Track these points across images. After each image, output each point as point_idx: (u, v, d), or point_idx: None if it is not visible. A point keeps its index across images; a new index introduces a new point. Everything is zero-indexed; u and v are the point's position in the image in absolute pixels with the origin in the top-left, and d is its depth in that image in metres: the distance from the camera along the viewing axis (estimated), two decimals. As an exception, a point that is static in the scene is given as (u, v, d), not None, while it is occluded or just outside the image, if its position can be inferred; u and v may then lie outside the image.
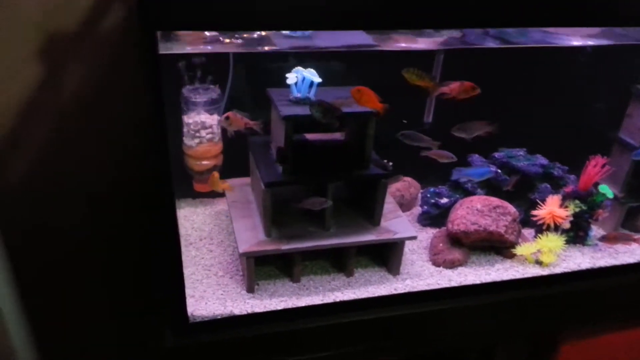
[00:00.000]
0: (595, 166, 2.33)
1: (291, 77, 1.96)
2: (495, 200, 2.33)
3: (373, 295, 2.09)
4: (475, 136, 2.08)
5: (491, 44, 2.21)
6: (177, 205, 2.48)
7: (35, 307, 2.31)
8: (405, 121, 2.27)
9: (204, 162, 2.32)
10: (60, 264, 2.31)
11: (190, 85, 2.23)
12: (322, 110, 1.88)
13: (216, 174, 2.16)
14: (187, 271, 2.14)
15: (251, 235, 2.06)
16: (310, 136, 2.25)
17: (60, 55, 1.98)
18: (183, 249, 2.24)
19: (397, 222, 2.23)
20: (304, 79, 1.98)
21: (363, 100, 1.93)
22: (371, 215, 2.17)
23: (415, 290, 2.13)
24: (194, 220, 2.42)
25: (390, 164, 2.42)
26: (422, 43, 2.28)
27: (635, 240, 2.36)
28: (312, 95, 2.00)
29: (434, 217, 2.50)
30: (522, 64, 2.49)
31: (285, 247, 2.03)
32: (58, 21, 1.91)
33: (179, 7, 1.38)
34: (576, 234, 2.42)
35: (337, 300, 2.06)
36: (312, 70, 2.00)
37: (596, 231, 2.57)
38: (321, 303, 2.03)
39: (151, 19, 1.37)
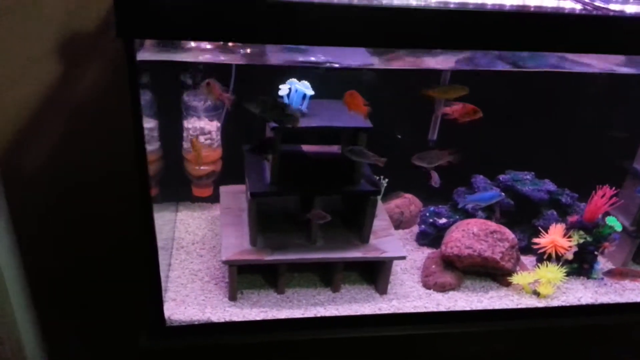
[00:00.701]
0: (602, 196, 2.21)
1: (283, 89, 1.95)
2: (493, 225, 2.25)
3: (355, 314, 2.05)
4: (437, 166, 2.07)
5: (500, 67, 2.15)
6: (175, 208, 2.56)
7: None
8: (399, 136, 2.23)
9: (203, 167, 2.34)
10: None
11: (193, 91, 2.26)
12: (264, 105, 1.79)
13: (195, 141, 2.18)
14: (173, 274, 2.17)
15: (237, 244, 2.07)
16: (306, 148, 2.23)
17: (79, 54, 2.09)
18: (173, 252, 2.29)
19: (387, 241, 2.18)
20: (296, 90, 1.97)
21: (352, 104, 1.91)
22: (360, 232, 2.14)
23: (399, 312, 2.08)
24: (189, 224, 2.46)
25: (386, 180, 2.39)
26: (431, 62, 2.26)
27: None
28: (304, 107, 1.99)
29: (432, 237, 2.44)
30: (537, 88, 2.41)
31: (269, 257, 2.02)
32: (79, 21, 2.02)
33: (155, 15, 1.40)
34: (580, 266, 2.30)
35: (318, 315, 2.04)
36: (306, 83, 1.99)
37: (604, 265, 2.44)
38: (299, 317, 2.01)
39: (128, 26, 1.40)
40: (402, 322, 2.06)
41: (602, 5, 1.80)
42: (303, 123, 1.94)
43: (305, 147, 2.23)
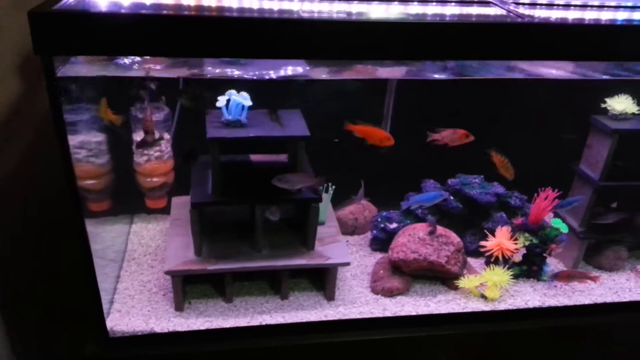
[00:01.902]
0: (545, 199, 2.23)
1: (221, 100, 1.99)
2: (438, 229, 2.27)
3: (299, 321, 2.07)
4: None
5: (443, 76, 2.18)
6: (130, 220, 2.58)
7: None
8: (336, 140, 2.26)
9: (154, 179, 2.37)
10: None
11: (141, 104, 2.30)
12: (189, 96, 1.97)
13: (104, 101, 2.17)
14: (121, 286, 2.19)
15: (182, 254, 2.09)
16: (251, 157, 2.26)
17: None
18: (124, 264, 2.31)
19: (333, 247, 2.20)
20: (237, 103, 2.00)
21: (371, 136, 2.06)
22: (305, 239, 2.16)
23: (344, 318, 2.09)
24: (142, 236, 2.48)
25: (332, 187, 2.41)
26: (383, 73, 2.30)
27: (591, 278, 2.24)
28: (243, 117, 2.02)
29: (384, 242, 2.45)
30: (485, 95, 2.44)
31: (212, 267, 2.04)
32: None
33: (72, 32, 1.44)
34: (529, 268, 2.32)
35: (264, 323, 2.05)
36: (245, 94, 2.02)
37: (555, 266, 2.45)
38: (243, 326, 2.02)
39: (45, 43, 1.43)
40: (347, 328, 2.08)
41: (526, 12, 1.83)
42: (242, 133, 1.98)
43: (250, 157, 2.27)
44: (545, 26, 1.65)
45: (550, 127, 2.50)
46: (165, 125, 2.32)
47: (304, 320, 2.07)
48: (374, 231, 2.48)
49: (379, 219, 2.50)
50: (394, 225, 2.44)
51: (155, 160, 2.33)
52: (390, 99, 2.48)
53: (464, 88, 2.42)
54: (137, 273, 2.26)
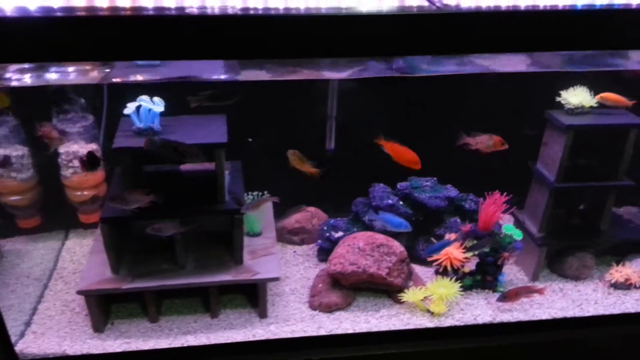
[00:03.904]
0: (493, 203, 2.03)
1: (129, 107, 1.86)
2: (380, 238, 2.09)
3: (225, 341, 1.93)
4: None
5: (389, 74, 2.02)
6: (65, 236, 2.48)
7: None
8: (250, 139, 2.11)
9: (84, 193, 2.26)
10: None
11: (64, 115, 2.19)
12: (160, 146, 1.79)
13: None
14: (42, 306, 2.08)
15: (99, 272, 1.96)
16: (170, 167, 2.13)
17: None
18: (51, 282, 2.20)
19: (265, 261, 2.05)
20: (148, 109, 1.87)
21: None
22: (232, 253, 2.02)
23: (273, 337, 1.94)
24: (75, 253, 2.37)
25: (262, 194, 2.26)
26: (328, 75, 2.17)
27: (536, 292, 2.03)
28: (156, 125, 1.89)
29: (329, 252, 2.26)
30: (438, 92, 2.26)
31: (127, 286, 1.91)
32: None
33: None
34: (484, 278, 2.12)
35: (186, 344, 1.92)
36: (158, 99, 1.89)
37: (515, 275, 2.25)
38: (163, 348, 1.89)
39: None
40: (276, 349, 1.93)
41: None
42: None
43: (174, 167, 2.14)
44: (462, 16, 1.47)
45: (508, 124, 2.29)
46: (91, 135, 2.21)
47: (229, 341, 1.93)
48: (320, 241, 2.32)
49: (325, 227, 2.33)
50: (340, 234, 2.27)
51: (82, 173, 2.22)
52: (334, 100, 2.32)
53: (413, 86, 2.26)
54: (63, 292, 2.15)
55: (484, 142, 1.92)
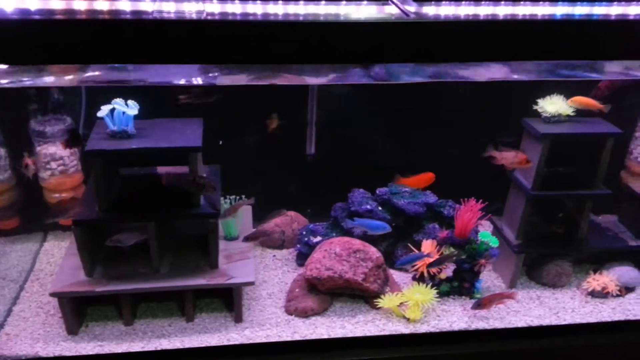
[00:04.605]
0: (469, 210, 2.03)
1: (103, 110, 1.85)
2: (357, 244, 2.09)
3: (199, 345, 1.92)
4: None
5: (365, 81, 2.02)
6: (43, 238, 2.47)
7: None
8: (220, 142, 2.11)
9: (62, 195, 2.26)
10: None
11: (43, 117, 2.18)
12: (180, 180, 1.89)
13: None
14: (17, 308, 2.06)
15: (73, 274, 1.95)
16: (144, 170, 2.12)
17: None
18: (27, 284, 2.19)
19: (240, 265, 2.05)
20: (122, 112, 1.87)
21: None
22: (207, 257, 2.01)
23: (247, 342, 1.93)
24: (53, 255, 2.36)
25: (251, 200, 2.26)
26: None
27: (507, 297, 2.03)
28: (130, 128, 1.88)
29: (308, 257, 2.25)
30: (417, 99, 2.26)
31: (102, 289, 1.90)
32: None
33: None
34: (460, 285, 2.12)
35: (159, 348, 1.91)
36: (132, 103, 1.89)
37: (492, 282, 2.24)
38: (134, 351, 1.88)
39: None
40: (249, 353, 1.92)
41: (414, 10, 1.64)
42: (124, 145, 1.84)
43: (149, 170, 2.13)
44: (425, 25, 1.47)
45: (486, 131, 2.30)
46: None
47: (203, 345, 1.93)
48: (298, 245, 2.32)
49: (304, 232, 2.33)
50: (318, 238, 2.27)
51: (60, 175, 2.21)
52: (313, 105, 2.32)
53: (392, 93, 2.27)
54: (38, 294, 2.14)
55: (509, 158, 1.96)
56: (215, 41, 1.42)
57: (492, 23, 1.54)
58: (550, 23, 1.54)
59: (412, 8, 1.63)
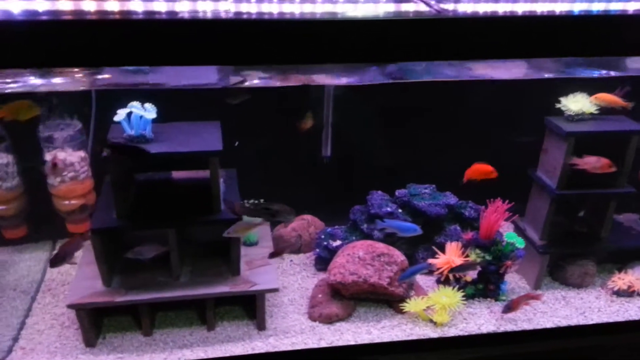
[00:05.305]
0: (495, 211, 2.00)
1: (120, 114, 1.79)
2: (380, 247, 2.05)
3: (223, 355, 1.85)
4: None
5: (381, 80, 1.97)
6: (52, 247, 2.39)
7: None
8: (237, 143, 2.06)
9: (72, 202, 2.17)
10: None
11: (51, 122, 2.10)
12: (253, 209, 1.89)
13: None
14: (30, 320, 1.99)
15: (90, 285, 1.89)
16: (175, 175, 2.06)
17: None
18: (39, 295, 2.12)
19: (262, 271, 1.99)
20: (140, 116, 1.80)
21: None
22: (228, 264, 1.95)
23: (273, 350, 1.88)
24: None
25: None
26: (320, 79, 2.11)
27: (534, 297, 2.01)
28: (148, 132, 1.82)
29: (328, 261, 2.21)
30: (434, 99, 2.23)
31: (121, 299, 1.84)
32: None
33: None
34: (486, 287, 2.09)
35: (183, 359, 1.84)
36: (149, 106, 1.83)
37: (517, 283, 2.22)
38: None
39: None
40: (275, 362, 1.87)
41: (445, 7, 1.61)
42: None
43: (167, 175, 2.07)
44: (460, 21, 1.43)
45: (506, 131, 2.28)
46: (78, 142, 2.13)
47: (227, 355, 1.87)
48: (317, 249, 2.27)
49: (323, 236, 2.28)
50: (338, 242, 2.22)
51: (70, 182, 2.13)
52: (329, 106, 2.27)
53: (409, 92, 2.23)
54: (51, 305, 2.07)
55: (591, 163, 1.97)
56: (242, 42, 1.38)
57: (518, 19, 1.51)
58: (587, 19, 1.51)
59: (444, 5, 1.60)
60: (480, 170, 1.96)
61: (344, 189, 2.43)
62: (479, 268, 2.06)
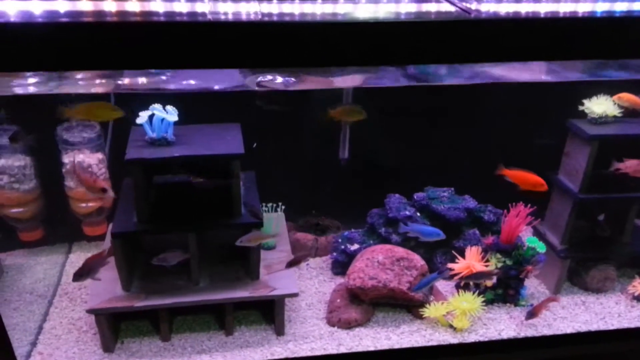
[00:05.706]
0: (517, 216, 1.98)
1: (142, 116, 1.77)
2: (400, 251, 2.03)
3: (241, 361, 1.85)
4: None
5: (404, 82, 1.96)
6: (67, 250, 2.37)
7: None
8: (255, 144, 2.05)
9: (89, 204, 2.16)
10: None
11: (68, 123, 2.09)
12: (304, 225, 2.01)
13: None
14: (48, 325, 1.98)
15: (109, 289, 1.87)
16: (185, 178, 2.04)
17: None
18: (55, 299, 2.10)
19: (281, 276, 1.98)
20: (161, 119, 1.79)
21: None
22: (247, 268, 1.94)
23: (292, 356, 1.86)
24: (79, 266, 2.27)
25: (282, 207, 2.19)
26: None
27: (551, 300, 2.01)
28: (169, 135, 1.80)
29: (345, 265, 2.20)
30: (454, 101, 2.22)
31: (141, 303, 1.82)
32: None
33: None
34: (505, 292, 2.07)
35: (201, 364, 1.84)
36: (171, 108, 1.81)
37: (536, 288, 2.20)
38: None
39: None
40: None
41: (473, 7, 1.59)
42: (165, 153, 1.76)
43: (180, 178, 2.04)
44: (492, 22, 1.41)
45: (527, 134, 2.26)
46: (97, 144, 2.12)
47: (246, 360, 1.86)
48: (334, 253, 2.25)
49: (340, 240, 2.26)
50: (355, 246, 2.20)
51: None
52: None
53: (430, 95, 2.21)
54: (68, 309, 2.05)
55: (633, 166, 1.97)
56: (252, 43, 1.35)
57: (541, 20, 1.49)
58: (616, 20, 1.49)
59: (472, 5, 1.58)
60: (530, 181, 1.92)
61: (361, 192, 2.41)
62: (494, 279, 2.04)
